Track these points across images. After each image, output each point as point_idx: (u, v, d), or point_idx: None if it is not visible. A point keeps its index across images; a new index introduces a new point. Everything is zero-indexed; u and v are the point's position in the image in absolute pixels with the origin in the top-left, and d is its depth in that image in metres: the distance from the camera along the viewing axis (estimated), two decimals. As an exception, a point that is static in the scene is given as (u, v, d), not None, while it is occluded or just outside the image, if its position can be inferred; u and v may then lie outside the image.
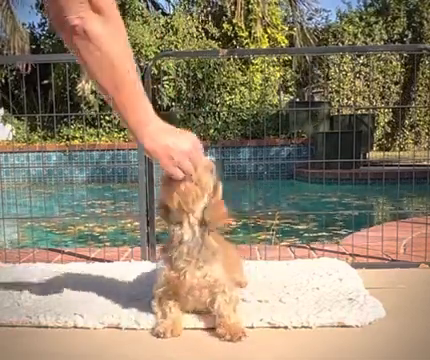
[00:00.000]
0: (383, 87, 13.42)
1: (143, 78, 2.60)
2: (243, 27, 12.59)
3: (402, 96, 13.20)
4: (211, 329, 1.66)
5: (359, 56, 12.85)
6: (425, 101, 13.00)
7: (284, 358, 1.49)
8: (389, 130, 13.24)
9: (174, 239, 1.62)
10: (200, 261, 1.60)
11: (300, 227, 4.08)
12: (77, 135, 10.96)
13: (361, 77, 13.35)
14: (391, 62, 13.36)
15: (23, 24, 12.55)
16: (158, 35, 12.03)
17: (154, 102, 4.93)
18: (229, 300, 1.62)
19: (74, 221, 3.73)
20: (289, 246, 2.99)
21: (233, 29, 12.70)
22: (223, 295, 1.62)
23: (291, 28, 13.71)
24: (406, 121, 13.35)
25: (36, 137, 10.49)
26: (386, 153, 11.82)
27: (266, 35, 12.78)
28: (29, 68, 10.35)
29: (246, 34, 12.58)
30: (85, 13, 1.17)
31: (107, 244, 3.41)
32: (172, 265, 1.62)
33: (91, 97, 10.98)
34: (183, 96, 11.63)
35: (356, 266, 2.35)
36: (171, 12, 14.13)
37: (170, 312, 1.64)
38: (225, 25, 12.75)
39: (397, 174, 2.71)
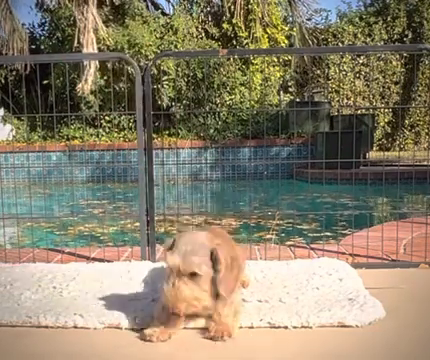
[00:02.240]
0: (383, 87, 13.42)
1: (143, 78, 2.60)
2: (243, 27, 12.58)
3: (402, 96, 13.19)
4: (211, 329, 1.66)
5: (359, 56, 12.85)
6: (425, 101, 12.99)
7: (284, 358, 1.48)
8: (389, 130, 13.23)
9: None
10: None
11: (303, 227, 4.07)
12: (77, 135, 10.95)
13: (361, 77, 13.35)
14: (391, 62, 13.36)
15: (23, 24, 12.49)
16: (158, 35, 12.01)
17: (154, 102, 4.92)
18: (234, 311, 1.66)
19: (74, 221, 3.73)
20: (289, 246, 2.99)
21: (233, 29, 12.69)
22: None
23: (291, 28, 13.69)
24: (406, 121, 13.35)
25: (36, 137, 10.48)
26: (386, 153, 11.81)
27: (266, 35, 12.76)
28: (28, 69, 10.32)
29: (246, 34, 12.57)
30: None
31: (107, 244, 3.40)
32: None
33: (91, 97, 10.96)
34: (183, 96, 11.62)
35: (356, 266, 2.35)
36: (171, 12, 14.13)
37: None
38: (225, 25, 12.75)
39: (397, 174, 2.71)
